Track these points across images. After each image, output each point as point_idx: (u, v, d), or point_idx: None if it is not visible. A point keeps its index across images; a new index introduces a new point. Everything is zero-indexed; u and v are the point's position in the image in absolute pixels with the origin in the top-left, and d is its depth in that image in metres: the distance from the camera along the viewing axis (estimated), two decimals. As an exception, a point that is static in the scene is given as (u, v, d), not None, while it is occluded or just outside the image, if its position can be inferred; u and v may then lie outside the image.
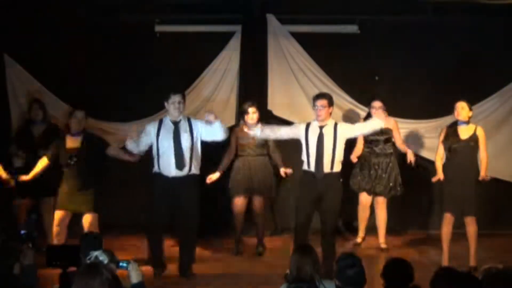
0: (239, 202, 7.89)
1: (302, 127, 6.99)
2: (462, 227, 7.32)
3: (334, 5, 8.66)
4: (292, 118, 8.72)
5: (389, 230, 8.27)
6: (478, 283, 4.06)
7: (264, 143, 7.88)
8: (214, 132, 6.95)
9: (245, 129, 7.37)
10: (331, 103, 6.93)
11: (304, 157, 6.93)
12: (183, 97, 7.01)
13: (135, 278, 4.40)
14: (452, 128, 7.26)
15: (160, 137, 6.95)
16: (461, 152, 7.17)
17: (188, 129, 6.97)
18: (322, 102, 6.87)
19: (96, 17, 8.66)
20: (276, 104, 8.79)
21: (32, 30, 8.70)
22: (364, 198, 8.17)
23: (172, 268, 7.16)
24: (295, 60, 8.80)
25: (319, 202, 6.91)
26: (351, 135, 7.05)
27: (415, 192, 8.81)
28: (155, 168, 7.01)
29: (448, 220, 7.19)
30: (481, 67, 8.76)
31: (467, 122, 7.26)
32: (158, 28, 8.81)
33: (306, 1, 8.81)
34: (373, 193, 8.11)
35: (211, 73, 8.84)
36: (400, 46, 8.85)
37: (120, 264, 4.44)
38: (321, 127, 6.89)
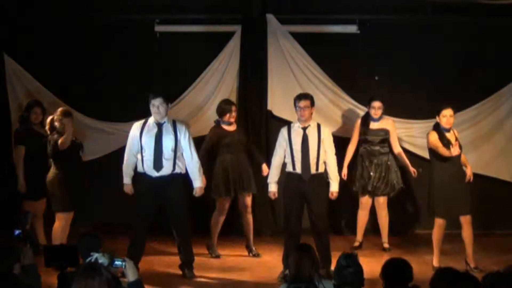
0: (227, 202, 7.82)
1: (284, 132, 7.04)
2: (455, 227, 7.31)
3: (334, 5, 8.68)
4: (292, 118, 8.72)
5: (389, 230, 8.26)
6: (477, 283, 4.06)
7: (246, 140, 7.88)
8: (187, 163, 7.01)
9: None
10: (313, 103, 7.02)
11: (288, 159, 6.97)
12: (164, 101, 6.95)
13: (131, 276, 4.38)
14: (441, 134, 7.16)
15: (143, 137, 6.97)
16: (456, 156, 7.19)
17: (171, 130, 6.98)
18: (305, 103, 6.94)
19: (96, 17, 8.66)
20: (276, 104, 8.79)
21: (32, 30, 8.70)
22: (365, 201, 8.14)
23: (171, 269, 7.16)
24: (295, 60, 8.80)
25: (307, 203, 6.94)
26: (325, 148, 7.01)
27: (414, 192, 8.82)
28: (139, 168, 7.01)
29: (441, 224, 7.21)
30: (481, 67, 8.76)
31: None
32: (158, 28, 8.81)
33: (306, 1, 8.82)
34: (374, 194, 8.08)
35: (211, 73, 8.83)
36: (400, 46, 8.85)
37: (116, 262, 4.39)
38: (304, 129, 6.97)
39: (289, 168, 6.98)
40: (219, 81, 8.82)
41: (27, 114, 7.92)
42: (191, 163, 7.02)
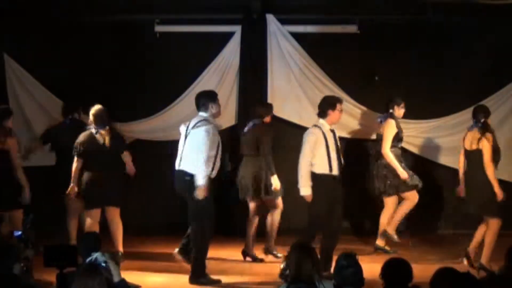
0: (256, 203, 7.66)
1: (319, 133, 6.79)
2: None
3: (334, 5, 8.69)
4: (292, 118, 8.74)
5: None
6: (477, 283, 4.06)
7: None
8: None
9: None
10: None
11: (322, 160, 6.73)
12: None
13: (116, 276, 4.37)
14: (493, 135, 7.20)
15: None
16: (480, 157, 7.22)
17: None
18: (342, 106, 6.99)
19: (97, 17, 8.67)
20: (276, 104, 8.75)
21: (32, 30, 8.71)
22: (392, 200, 7.97)
23: (170, 270, 7.15)
24: (295, 60, 8.81)
25: (335, 204, 6.82)
26: None
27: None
28: (210, 173, 6.65)
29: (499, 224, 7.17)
30: (481, 67, 8.77)
31: None
32: (158, 28, 8.83)
33: (306, 1, 8.82)
34: (397, 191, 7.93)
35: (211, 73, 8.84)
36: (400, 46, 8.86)
37: (102, 264, 4.36)
38: (332, 130, 6.88)
39: (322, 169, 6.73)
40: (219, 81, 8.83)
41: (78, 115, 7.91)
42: None
